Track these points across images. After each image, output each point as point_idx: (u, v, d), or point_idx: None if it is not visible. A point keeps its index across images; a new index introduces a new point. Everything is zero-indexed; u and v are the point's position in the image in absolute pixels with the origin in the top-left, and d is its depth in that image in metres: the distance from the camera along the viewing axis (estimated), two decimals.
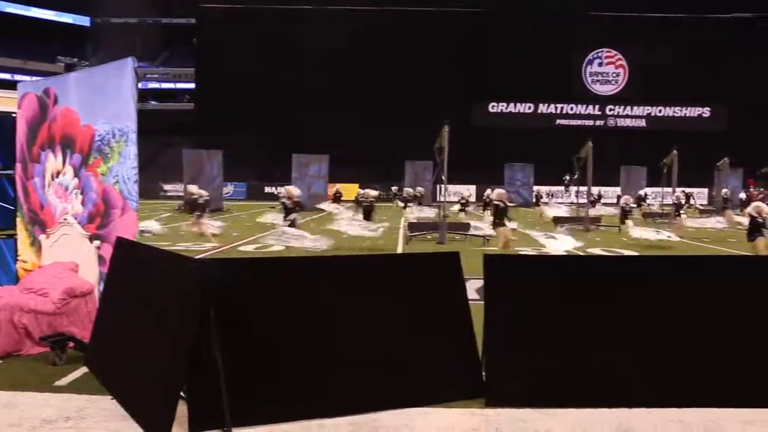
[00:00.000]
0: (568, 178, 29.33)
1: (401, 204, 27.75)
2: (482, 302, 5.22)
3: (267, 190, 43.33)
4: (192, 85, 54.86)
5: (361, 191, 22.87)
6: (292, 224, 13.97)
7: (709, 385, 4.97)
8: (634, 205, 26.93)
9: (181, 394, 4.29)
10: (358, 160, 42.08)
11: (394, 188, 38.41)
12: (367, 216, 19.70)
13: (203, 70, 51.15)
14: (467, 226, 18.67)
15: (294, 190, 15.17)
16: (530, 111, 51.79)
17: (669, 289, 5.19)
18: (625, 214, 22.83)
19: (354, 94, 46.54)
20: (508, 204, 15.21)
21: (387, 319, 4.95)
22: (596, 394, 4.87)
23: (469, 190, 37.53)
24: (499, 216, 14.38)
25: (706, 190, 40.12)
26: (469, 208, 27.81)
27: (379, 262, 5.57)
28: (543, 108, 51.88)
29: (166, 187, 41.83)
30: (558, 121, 51.95)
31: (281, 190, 20.89)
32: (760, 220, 12.62)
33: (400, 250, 15.62)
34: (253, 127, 45.81)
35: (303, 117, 45.90)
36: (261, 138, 45.37)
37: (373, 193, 21.83)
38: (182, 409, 4.25)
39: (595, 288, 5.16)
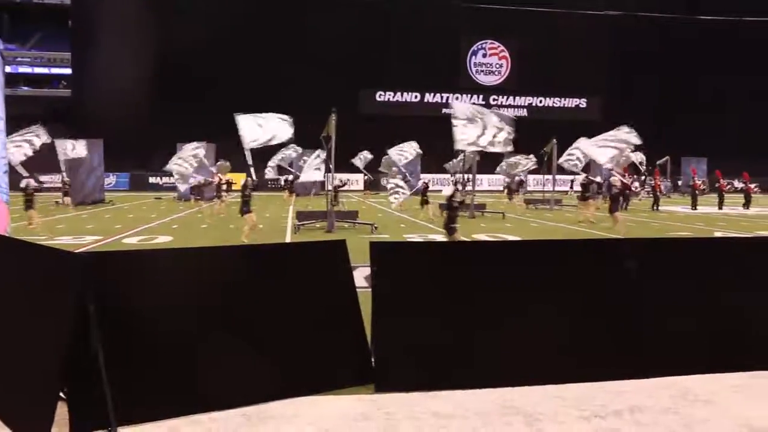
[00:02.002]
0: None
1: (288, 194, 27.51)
2: (370, 289, 5.29)
3: (151, 180, 41.87)
4: (68, 71, 52.03)
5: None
6: None
7: (584, 360, 5.27)
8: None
9: (61, 395, 4.10)
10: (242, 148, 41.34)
11: (283, 178, 37.98)
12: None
13: (79, 53, 48.62)
14: (355, 214, 18.82)
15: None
16: (417, 100, 52.61)
17: (545, 271, 5.44)
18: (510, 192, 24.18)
19: (239, 82, 45.59)
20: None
21: (274, 308, 4.92)
22: (482, 374, 5.05)
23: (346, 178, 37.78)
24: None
25: (581, 177, 41.99)
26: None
27: (265, 252, 5.51)
28: (429, 97, 52.83)
29: (42, 178, 39.50)
30: (444, 110, 53.01)
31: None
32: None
33: (288, 239, 15.54)
34: (135, 115, 44.01)
35: (187, 105, 44.58)
36: (143, 126, 43.66)
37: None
38: (63, 411, 4.07)
39: (478, 271, 5.34)
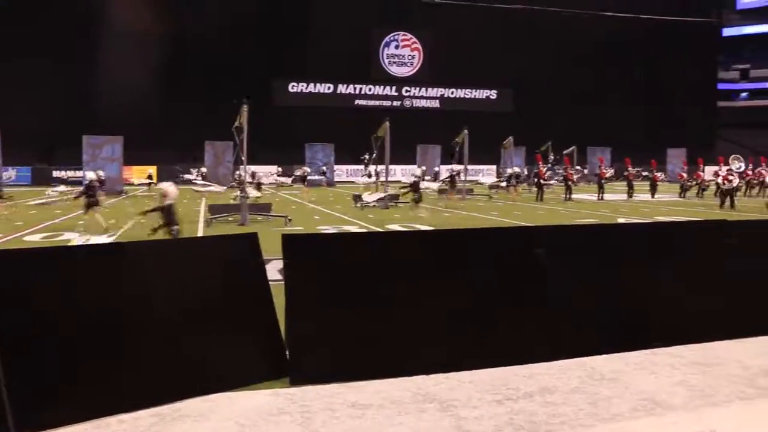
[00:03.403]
0: (367, 157, 30.14)
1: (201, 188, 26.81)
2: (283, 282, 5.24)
3: (55, 174, 40.03)
4: None
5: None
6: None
7: (497, 345, 5.39)
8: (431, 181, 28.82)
9: None
10: (155, 141, 40.21)
11: (195, 171, 37.16)
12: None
13: None
14: (268, 207, 18.62)
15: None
16: (330, 91, 52.44)
17: (458, 259, 5.54)
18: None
19: (149, 72, 44.11)
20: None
21: (186, 304, 4.81)
22: (397, 363, 5.09)
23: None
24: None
25: (494, 167, 43.03)
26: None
27: (175, 247, 5.38)
28: (342, 88, 52.75)
29: None
30: (357, 102, 53.10)
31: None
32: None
33: (200, 233, 15.22)
34: (37, 105, 41.83)
35: (94, 96, 42.91)
36: (46, 117, 41.57)
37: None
38: None
39: (390, 262, 5.37)
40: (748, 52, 79.88)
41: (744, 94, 79.79)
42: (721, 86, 69.03)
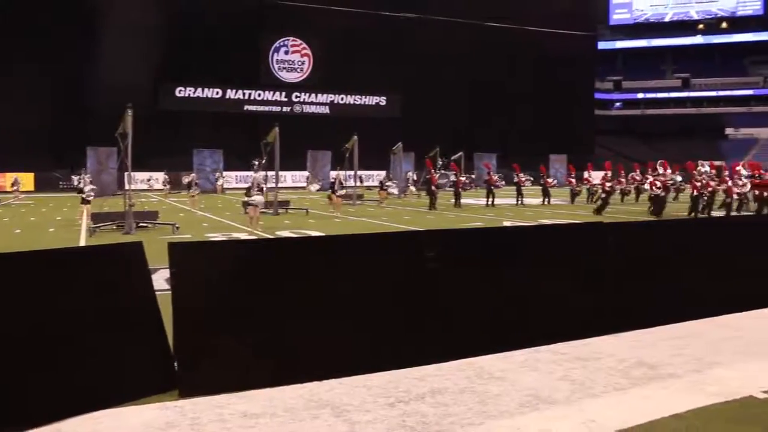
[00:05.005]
0: (256, 163, 29.79)
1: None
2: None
3: None
4: None
5: None
6: None
7: (389, 349, 5.45)
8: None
9: None
10: (34, 146, 38.11)
11: (76, 177, 35.44)
12: None
13: None
14: (155, 215, 18.07)
15: None
16: (218, 96, 51.40)
17: (348, 264, 5.57)
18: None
19: (23, 74, 41.56)
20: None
21: (65, 318, 4.58)
22: (289, 370, 5.05)
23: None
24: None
25: (383, 173, 43.53)
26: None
27: (56, 257, 5.09)
28: (231, 93, 51.84)
29: None
30: (246, 107, 52.32)
31: None
32: None
33: (83, 243, 14.55)
34: None
35: None
36: None
37: None
38: None
39: (280, 269, 5.32)
40: (621, 64, 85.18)
41: (618, 104, 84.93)
42: (597, 96, 73.12)
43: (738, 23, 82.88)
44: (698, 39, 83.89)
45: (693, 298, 7.16)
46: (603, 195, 24.36)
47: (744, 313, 7.28)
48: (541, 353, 5.79)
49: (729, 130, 76.33)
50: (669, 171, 25.73)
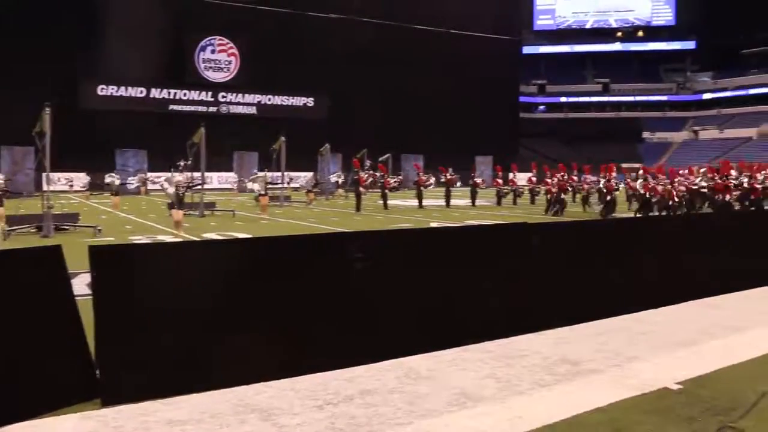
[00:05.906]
0: (182, 164, 29.21)
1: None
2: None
3: None
4: None
5: None
6: None
7: (317, 351, 5.44)
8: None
9: None
10: None
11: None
12: None
13: None
14: (76, 217, 17.50)
15: None
16: (142, 95, 50.08)
17: (276, 266, 5.51)
18: None
19: None
20: None
21: None
22: (216, 375, 4.96)
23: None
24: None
25: (311, 174, 43.33)
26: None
27: None
28: (156, 93, 50.61)
29: None
30: (171, 107, 51.17)
31: None
32: None
33: None
34: None
35: None
36: None
37: None
38: None
39: (206, 272, 5.23)
40: (544, 69, 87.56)
41: (542, 107, 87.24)
42: (522, 99, 74.91)
43: (653, 32, 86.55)
44: (617, 46, 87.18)
45: (613, 295, 7.43)
46: (551, 199, 24.33)
47: (659, 309, 7.59)
48: (468, 352, 5.88)
49: (646, 134, 79.59)
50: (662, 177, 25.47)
